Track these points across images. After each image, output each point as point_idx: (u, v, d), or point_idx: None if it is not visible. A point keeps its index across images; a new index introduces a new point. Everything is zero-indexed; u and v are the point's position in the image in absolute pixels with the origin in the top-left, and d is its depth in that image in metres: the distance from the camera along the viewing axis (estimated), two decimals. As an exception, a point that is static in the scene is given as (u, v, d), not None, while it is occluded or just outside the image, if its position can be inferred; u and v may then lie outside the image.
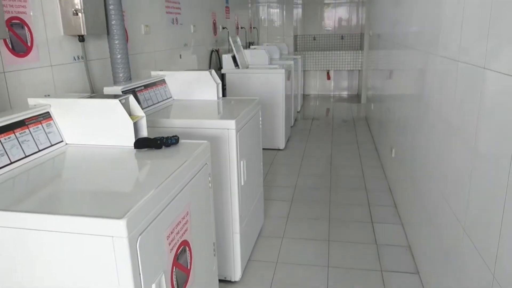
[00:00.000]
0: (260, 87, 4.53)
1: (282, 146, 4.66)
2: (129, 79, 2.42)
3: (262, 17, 7.61)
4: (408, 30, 3.04)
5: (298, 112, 6.71)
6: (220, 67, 4.62)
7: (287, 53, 6.95)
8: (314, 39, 8.37)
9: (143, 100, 2.26)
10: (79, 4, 2.04)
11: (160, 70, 2.65)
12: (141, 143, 1.51)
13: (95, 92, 2.29)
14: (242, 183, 2.16)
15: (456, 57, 1.76)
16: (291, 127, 5.65)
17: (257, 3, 7.39)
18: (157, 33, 3.20)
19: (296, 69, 6.10)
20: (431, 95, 2.20)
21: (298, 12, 8.22)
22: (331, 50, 8.12)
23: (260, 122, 2.65)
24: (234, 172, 2.07)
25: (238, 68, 4.60)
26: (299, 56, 6.55)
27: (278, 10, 7.57)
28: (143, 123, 1.62)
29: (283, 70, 4.45)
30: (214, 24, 4.69)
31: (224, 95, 4.81)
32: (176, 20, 3.56)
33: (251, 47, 6.11)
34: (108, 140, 1.57)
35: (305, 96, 8.27)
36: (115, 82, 2.40)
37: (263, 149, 4.80)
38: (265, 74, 4.52)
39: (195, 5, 4.07)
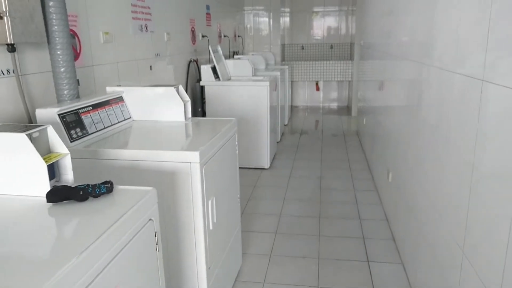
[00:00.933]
0: (242, 101, 4.13)
1: (267, 165, 4.26)
2: (76, 96, 2.00)
3: (248, 25, 7.25)
4: (409, 39, 2.68)
5: (285, 125, 6.33)
6: (200, 79, 4.22)
7: (274, 63, 6.59)
8: (302, 49, 8.04)
9: (90, 123, 1.84)
10: (3, 6, 1.62)
11: (118, 86, 2.24)
12: (56, 194, 1.09)
13: (30, 114, 1.86)
14: (211, 227, 1.75)
15: (479, 75, 1.38)
16: (278, 142, 5.26)
17: (242, 10, 7.04)
18: (121, 41, 2.79)
19: (283, 80, 5.74)
20: (441, 114, 1.82)
21: (285, 20, 7.88)
22: (320, 60, 7.79)
23: (237, 148, 2.25)
24: (199, 215, 1.65)
25: (219, 80, 4.21)
26: (287, 66, 6.19)
27: (264, 18, 7.22)
28: (67, 163, 1.21)
29: (268, 83, 4.07)
30: (193, 31, 4.30)
31: (203, 109, 4.41)
32: (146, 26, 3.15)
33: (235, 56, 5.73)
34: (14, 188, 1.15)
35: (293, 108, 7.91)
36: (59, 101, 1.98)
37: (246, 168, 4.44)
38: (248, 87, 4.13)
39: (169, 11, 3.67)
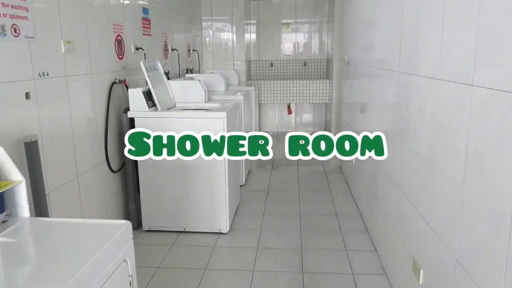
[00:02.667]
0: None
1: (225, 228, 3.02)
2: None
3: (207, 38, 6.07)
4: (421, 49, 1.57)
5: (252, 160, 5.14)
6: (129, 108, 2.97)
7: (238, 82, 5.44)
8: (271, 66, 6.94)
9: None
10: None
11: None
12: None
13: None
14: None
15: None
16: (241, 186, 4.06)
17: (198, 20, 5.87)
18: None
19: (248, 103, 4.59)
20: None
21: (251, 33, 6.78)
22: (292, 79, 6.71)
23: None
24: None
25: (156, 109, 2.98)
26: (252, 88, 5.03)
27: (226, 30, 6.07)
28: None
29: (224, 113, 2.87)
30: (119, 41, 3.07)
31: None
32: (15, 29, 1.90)
33: (187, 75, 4.54)
34: None
35: (261, 135, 6.74)
36: None
37: (197, 233, 2.96)
38: (197, 119, 2.91)
39: (69, 8, 2.44)
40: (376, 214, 2.78)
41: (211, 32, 6.07)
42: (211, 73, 5.04)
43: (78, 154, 2.49)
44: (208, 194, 2.98)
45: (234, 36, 6.10)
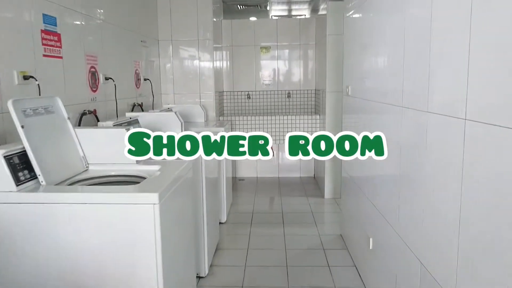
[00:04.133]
0: (97, 236, 1.60)
1: None
2: None
3: (167, 65, 4.83)
4: None
5: (222, 223, 3.82)
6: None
7: (205, 120, 4.21)
8: (249, 98, 5.72)
9: None
10: None
11: None
12: None
13: None
14: None
15: None
16: (203, 279, 2.73)
17: (155, 41, 4.62)
18: None
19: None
20: None
21: (223, 58, 5.59)
22: (273, 113, 5.50)
23: None
24: None
25: (39, 182, 1.66)
26: (222, 129, 3.78)
27: (191, 54, 4.85)
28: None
29: (156, 195, 1.57)
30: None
31: None
32: None
33: (128, 115, 3.25)
34: None
35: (237, 182, 5.46)
36: None
37: None
38: (104, 207, 1.60)
39: None
40: None
41: (171, 57, 4.83)
42: (169, 109, 3.78)
43: None
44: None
45: (201, 62, 4.88)
